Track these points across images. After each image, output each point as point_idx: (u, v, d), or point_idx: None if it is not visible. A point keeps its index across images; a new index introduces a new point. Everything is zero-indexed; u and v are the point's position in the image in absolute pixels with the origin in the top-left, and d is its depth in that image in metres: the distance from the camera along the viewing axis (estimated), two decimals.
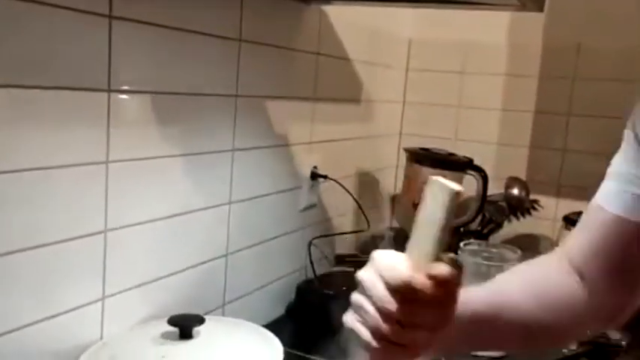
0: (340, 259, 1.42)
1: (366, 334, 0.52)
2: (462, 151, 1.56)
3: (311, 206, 1.33)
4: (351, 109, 1.50)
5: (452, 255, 0.50)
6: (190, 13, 0.90)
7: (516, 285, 0.69)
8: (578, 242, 0.69)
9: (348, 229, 1.50)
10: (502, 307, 0.65)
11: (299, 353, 1.05)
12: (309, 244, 1.32)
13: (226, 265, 1.07)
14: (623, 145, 0.67)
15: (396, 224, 1.74)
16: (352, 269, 1.32)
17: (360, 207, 1.43)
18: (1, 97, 0.65)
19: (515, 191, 1.51)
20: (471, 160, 1.47)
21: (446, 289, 0.50)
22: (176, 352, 0.77)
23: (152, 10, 0.83)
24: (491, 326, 0.64)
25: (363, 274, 0.53)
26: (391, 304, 0.49)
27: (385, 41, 1.64)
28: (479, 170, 1.45)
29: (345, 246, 1.51)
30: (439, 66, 1.73)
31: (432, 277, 0.49)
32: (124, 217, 0.83)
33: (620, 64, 1.48)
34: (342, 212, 1.48)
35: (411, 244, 0.52)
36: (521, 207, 1.51)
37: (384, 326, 0.50)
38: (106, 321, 0.82)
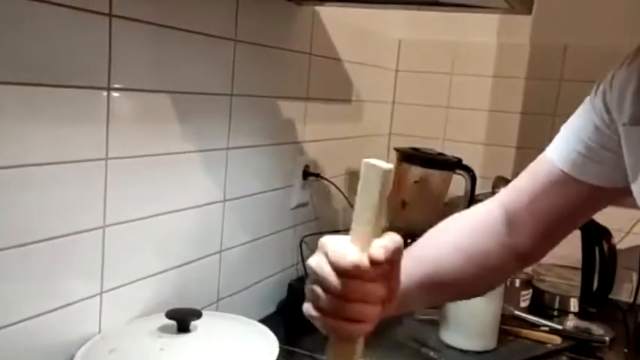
0: None
1: (320, 318, 0.55)
2: (450, 150, 1.59)
3: (303, 204, 1.35)
4: (343, 109, 1.52)
5: (390, 233, 0.54)
6: (188, 12, 0.92)
7: (445, 245, 0.73)
8: (520, 188, 0.73)
9: (339, 227, 1.52)
10: (435, 272, 0.70)
11: (291, 349, 1.07)
12: (301, 242, 1.34)
13: (220, 261, 1.09)
14: (581, 107, 0.70)
15: (386, 222, 1.76)
16: None
17: (351, 205, 1.45)
18: (1, 95, 0.66)
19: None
20: (459, 160, 1.50)
21: (387, 264, 0.53)
22: (174, 345, 0.78)
23: (151, 9, 0.84)
24: (428, 290, 0.69)
25: (312, 261, 0.56)
26: (339, 284, 0.53)
27: (375, 42, 1.66)
28: (467, 170, 1.47)
29: None
30: (428, 67, 1.75)
31: (371, 258, 0.52)
32: (122, 214, 0.84)
33: (605, 66, 1.51)
34: (333, 210, 1.50)
35: (353, 225, 0.54)
36: None
37: (335, 305, 0.53)
38: (104, 315, 0.83)
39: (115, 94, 0.80)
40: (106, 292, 0.83)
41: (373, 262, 0.52)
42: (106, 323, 0.83)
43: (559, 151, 0.69)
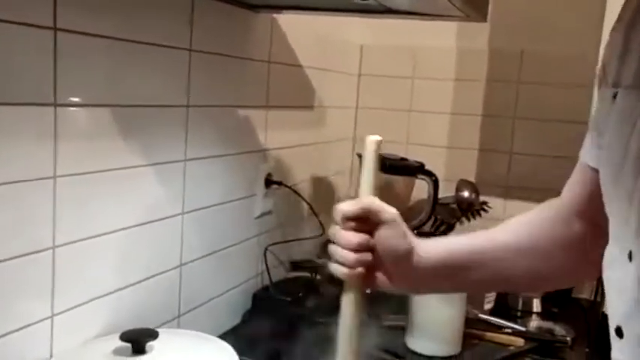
0: (296, 265, 1.43)
1: (334, 266, 0.68)
2: (413, 154, 1.59)
3: (266, 213, 1.33)
4: (305, 116, 1.52)
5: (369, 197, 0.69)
6: (138, 23, 0.89)
7: (510, 231, 0.76)
8: (567, 193, 0.75)
9: (304, 235, 1.51)
10: (486, 252, 0.74)
11: None
12: (265, 251, 1.33)
13: (180, 276, 1.07)
14: (599, 104, 0.69)
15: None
16: (308, 275, 1.34)
17: (314, 212, 1.44)
18: None
19: (466, 193, 1.55)
20: (422, 165, 1.51)
21: (366, 217, 0.67)
22: None
23: (98, 22, 0.82)
24: (470, 268, 0.73)
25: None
26: (332, 232, 0.68)
27: (337, 47, 1.66)
28: (430, 175, 1.48)
29: (301, 252, 1.52)
30: (391, 71, 1.76)
31: (341, 210, 0.67)
32: (74, 233, 0.82)
33: (561, 69, 1.55)
34: (297, 218, 1.49)
35: (360, 189, 0.71)
36: (471, 209, 1.55)
37: (333, 251, 0.68)
38: (55, 339, 0.80)
39: (63, 109, 0.78)
40: (58, 314, 0.80)
41: (344, 214, 0.67)
42: (58, 347, 0.80)
43: (586, 150, 0.70)
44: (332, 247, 0.68)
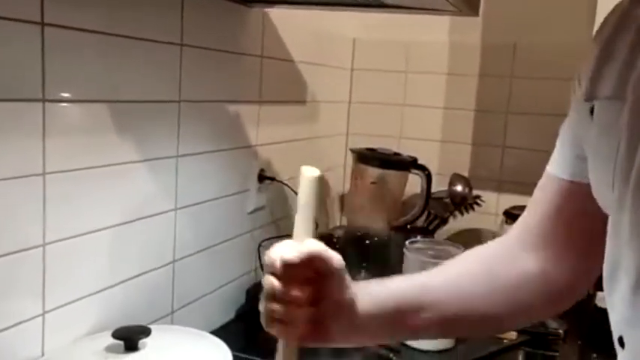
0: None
1: (271, 325, 0.59)
2: (407, 149, 1.59)
3: (259, 209, 1.33)
4: (297, 111, 1.51)
5: (311, 240, 0.58)
6: (128, 18, 0.89)
7: (461, 271, 0.70)
8: (535, 213, 0.70)
9: None
10: (432, 297, 0.66)
11: (250, 357, 1.05)
12: (259, 246, 1.32)
13: (174, 272, 1.06)
14: (570, 111, 0.68)
15: (345, 223, 1.75)
16: None
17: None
18: None
19: (459, 188, 1.55)
20: (415, 160, 1.51)
21: (313, 264, 0.57)
22: None
23: (87, 16, 0.81)
24: (416, 314, 0.65)
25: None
26: (268, 284, 0.57)
27: (330, 41, 1.65)
28: (422, 169, 1.48)
29: None
30: (383, 65, 1.75)
31: (283, 258, 0.56)
32: (64, 230, 0.81)
33: (554, 63, 1.54)
34: (290, 213, 1.49)
35: (294, 229, 0.60)
36: (464, 203, 1.55)
37: (268, 307, 0.58)
38: (47, 336, 0.80)
39: (52, 105, 0.77)
40: (49, 312, 0.80)
41: (285, 262, 0.55)
42: (49, 345, 0.80)
43: (557, 164, 0.68)
44: (268, 303, 0.58)
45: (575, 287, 0.71)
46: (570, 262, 0.68)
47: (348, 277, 0.61)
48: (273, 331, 0.59)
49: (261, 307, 0.59)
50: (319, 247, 0.58)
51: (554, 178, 0.67)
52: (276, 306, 0.57)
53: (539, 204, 0.70)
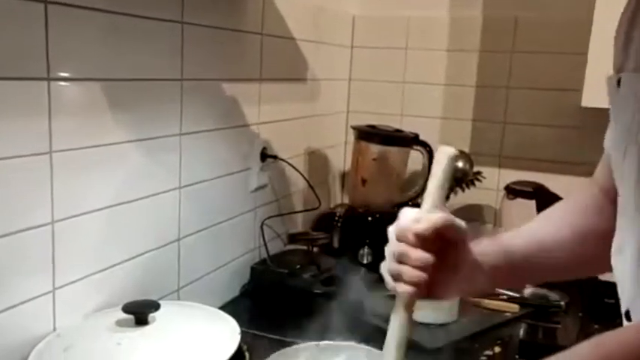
0: (293, 238, 1.44)
1: (387, 278, 0.65)
2: (408, 126, 1.59)
3: (262, 187, 1.34)
4: (298, 89, 1.51)
5: (440, 212, 0.64)
6: None
7: (552, 223, 0.75)
8: (599, 174, 0.74)
9: (300, 208, 1.51)
10: (539, 247, 0.73)
11: (256, 332, 1.07)
12: (262, 224, 1.33)
13: (179, 249, 1.07)
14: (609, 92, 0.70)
15: (347, 200, 1.77)
16: (305, 247, 1.35)
17: (310, 185, 1.45)
18: None
19: (460, 164, 1.55)
20: (416, 136, 1.51)
21: (435, 237, 0.63)
22: (132, 338, 0.77)
23: None
24: (530, 264, 0.72)
25: (389, 228, 0.66)
26: (396, 248, 0.63)
27: (329, 19, 1.64)
28: (424, 145, 1.49)
29: (297, 225, 1.53)
30: (384, 42, 1.75)
31: (415, 230, 0.62)
32: (72, 208, 0.82)
33: (555, 38, 1.54)
34: (293, 191, 1.50)
35: (424, 198, 0.66)
36: (465, 179, 1.56)
37: (392, 266, 0.64)
38: (58, 312, 0.81)
39: (56, 84, 0.77)
40: (59, 288, 0.81)
41: (417, 234, 0.62)
42: (61, 321, 0.81)
43: (607, 137, 0.68)
44: (396, 265, 0.63)
45: None
46: None
47: (469, 244, 0.67)
48: (399, 288, 0.63)
49: (385, 267, 0.65)
50: (448, 218, 0.64)
51: (607, 154, 0.69)
52: (404, 268, 0.63)
53: (602, 164, 0.73)
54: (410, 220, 0.63)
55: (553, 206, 0.78)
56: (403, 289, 0.63)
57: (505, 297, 1.28)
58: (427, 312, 1.17)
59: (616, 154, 0.60)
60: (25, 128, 0.74)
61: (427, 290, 0.64)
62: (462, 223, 0.65)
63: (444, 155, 0.64)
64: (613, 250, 0.60)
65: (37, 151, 0.76)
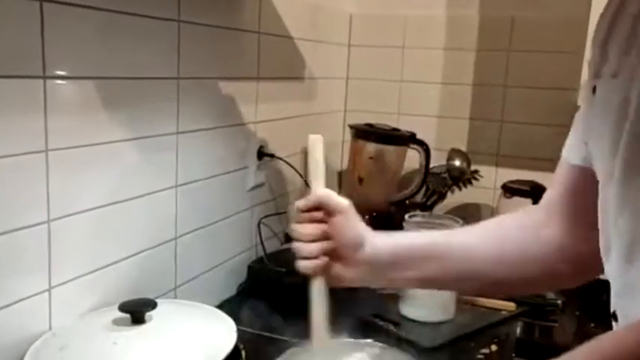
0: (290, 237, 1.43)
1: (301, 263, 0.72)
2: (405, 125, 1.59)
3: (259, 185, 1.34)
4: (295, 87, 1.51)
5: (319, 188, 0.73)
6: None
7: (476, 236, 0.76)
8: (550, 194, 0.75)
9: None
10: (440, 246, 0.76)
11: (253, 331, 1.07)
12: (259, 223, 1.33)
13: (176, 248, 1.07)
14: (583, 98, 0.69)
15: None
16: None
17: (307, 184, 1.44)
18: None
19: (457, 162, 1.56)
20: (413, 135, 1.51)
21: (321, 206, 0.71)
22: (128, 337, 0.77)
23: None
24: (424, 261, 0.75)
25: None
26: (292, 229, 0.72)
27: (326, 17, 1.64)
28: (421, 144, 1.49)
29: None
30: (381, 41, 1.75)
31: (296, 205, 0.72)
32: (68, 206, 0.82)
33: (551, 37, 1.54)
34: (290, 190, 1.50)
35: (310, 183, 0.75)
36: (462, 177, 1.56)
37: (294, 247, 0.72)
38: (54, 311, 0.81)
39: (52, 82, 0.77)
40: (55, 287, 0.81)
41: (300, 207, 0.72)
42: (57, 320, 0.81)
43: (569, 148, 0.70)
44: (295, 245, 0.71)
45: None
46: (586, 234, 0.68)
47: (356, 217, 0.74)
48: (300, 268, 0.71)
49: (295, 250, 0.72)
50: (324, 192, 0.73)
51: (566, 162, 0.70)
52: (298, 244, 0.71)
53: (556, 181, 0.73)
54: (298, 201, 0.72)
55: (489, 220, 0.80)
56: (302, 264, 0.71)
57: (502, 295, 1.28)
58: (425, 311, 1.17)
59: (596, 158, 0.60)
60: (21, 126, 0.74)
61: (331, 272, 0.72)
62: (341, 197, 0.73)
63: (311, 140, 0.75)
64: (601, 251, 0.61)
65: (33, 150, 0.76)
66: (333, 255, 0.72)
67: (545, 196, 0.76)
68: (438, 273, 0.75)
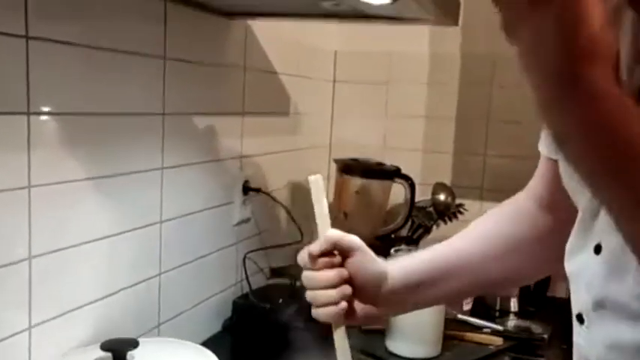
0: (276, 272, 1.43)
1: (320, 311, 0.67)
2: (390, 159, 1.61)
3: (244, 220, 1.33)
4: (281, 122, 1.52)
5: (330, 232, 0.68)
6: (112, 31, 0.89)
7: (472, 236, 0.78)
8: (532, 184, 0.77)
9: (283, 242, 1.50)
10: (451, 264, 0.75)
11: None
12: (244, 258, 1.32)
13: (160, 284, 1.06)
14: None
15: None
16: (288, 281, 1.34)
17: (292, 219, 1.44)
18: None
19: (442, 197, 1.57)
20: (398, 169, 1.52)
21: (335, 247, 0.67)
22: None
23: (71, 30, 0.81)
24: (440, 281, 0.74)
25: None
26: (305, 277, 0.67)
27: (311, 53, 1.67)
28: (406, 178, 1.50)
29: (280, 258, 1.52)
30: (365, 77, 1.77)
31: (309, 251, 0.66)
32: (50, 243, 0.81)
33: None
34: (275, 225, 1.49)
35: (317, 227, 0.70)
36: (447, 211, 1.57)
37: (310, 295, 0.67)
38: (34, 350, 0.79)
39: (36, 118, 0.77)
40: (36, 326, 0.79)
41: (312, 253, 0.66)
42: (37, 358, 0.79)
43: (544, 142, 0.72)
44: (311, 294, 0.67)
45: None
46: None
47: (371, 252, 0.70)
48: (320, 317, 0.66)
49: (310, 300, 0.67)
50: (335, 232, 0.68)
51: (542, 155, 0.72)
52: (315, 292, 0.66)
53: (537, 173, 0.75)
54: (307, 248, 0.67)
55: (482, 218, 0.81)
56: (322, 312, 0.66)
57: (489, 330, 1.28)
58: (412, 347, 1.16)
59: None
60: (3, 162, 0.73)
61: (354, 311, 0.68)
62: (353, 235, 0.69)
63: (312, 182, 0.70)
64: (567, 252, 0.61)
65: (15, 186, 0.75)
66: (354, 296, 0.68)
67: (530, 189, 0.77)
68: (460, 285, 0.75)
